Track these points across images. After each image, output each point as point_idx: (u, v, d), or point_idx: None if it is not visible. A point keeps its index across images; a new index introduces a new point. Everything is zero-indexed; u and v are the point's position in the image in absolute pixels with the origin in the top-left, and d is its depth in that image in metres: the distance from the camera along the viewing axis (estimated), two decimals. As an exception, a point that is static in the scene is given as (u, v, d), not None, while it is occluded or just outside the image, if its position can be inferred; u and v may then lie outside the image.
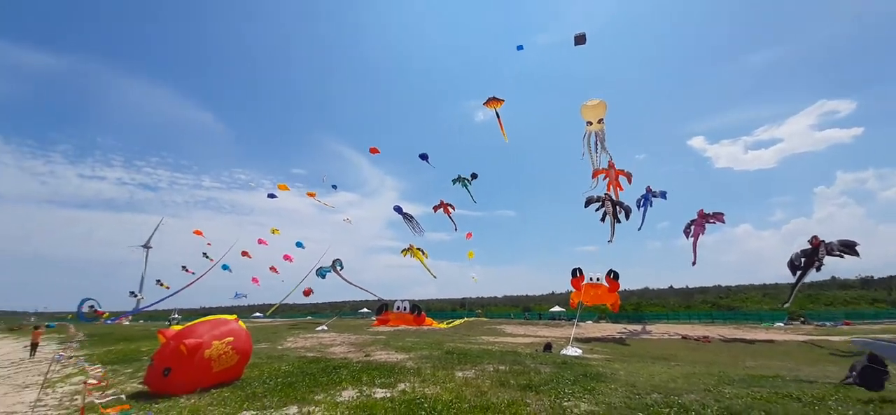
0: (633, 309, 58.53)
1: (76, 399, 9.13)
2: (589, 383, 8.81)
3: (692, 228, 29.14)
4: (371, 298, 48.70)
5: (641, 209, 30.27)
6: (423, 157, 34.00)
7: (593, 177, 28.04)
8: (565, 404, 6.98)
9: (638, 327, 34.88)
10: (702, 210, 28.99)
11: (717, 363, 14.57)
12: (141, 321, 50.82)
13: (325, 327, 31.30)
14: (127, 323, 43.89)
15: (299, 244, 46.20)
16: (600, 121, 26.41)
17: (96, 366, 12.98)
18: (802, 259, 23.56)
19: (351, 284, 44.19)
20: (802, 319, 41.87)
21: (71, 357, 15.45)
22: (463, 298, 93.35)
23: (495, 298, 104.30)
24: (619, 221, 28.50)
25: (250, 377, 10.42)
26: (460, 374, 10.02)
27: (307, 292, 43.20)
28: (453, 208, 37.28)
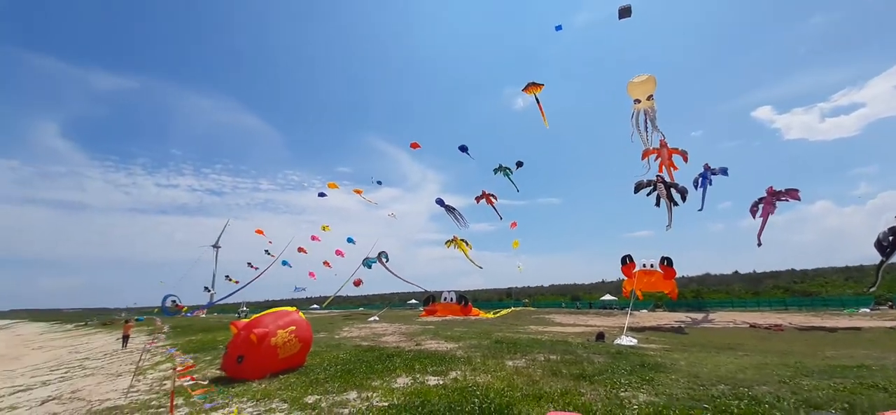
0: (693, 296, 54.87)
1: (165, 384, 10.31)
2: (647, 373, 8.48)
3: (760, 207, 26.64)
4: (417, 289, 49.87)
5: (700, 189, 28.09)
6: (463, 149, 33.96)
7: (643, 158, 26.45)
8: (622, 394, 6.78)
9: (698, 316, 32.73)
10: (771, 187, 26.40)
11: (791, 353, 13.34)
12: (215, 314, 56.08)
13: (377, 318, 32.56)
14: (203, 315, 48.73)
15: (350, 240, 48.21)
16: (650, 98, 24.79)
17: (181, 354, 14.56)
18: (891, 237, 20.76)
19: (395, 275, 45.59)
20: (891, 303, 37.00)
21: (159, 347, 17.43)
22: (509, 288, 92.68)
23: (542, 287, 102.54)
24: (676, 204, 26.68)
25: (312, 365, 11.15)
26: (511, 363, 10.05)
27: (357, 283, 45.13)
28: (496, 199, 36.97)
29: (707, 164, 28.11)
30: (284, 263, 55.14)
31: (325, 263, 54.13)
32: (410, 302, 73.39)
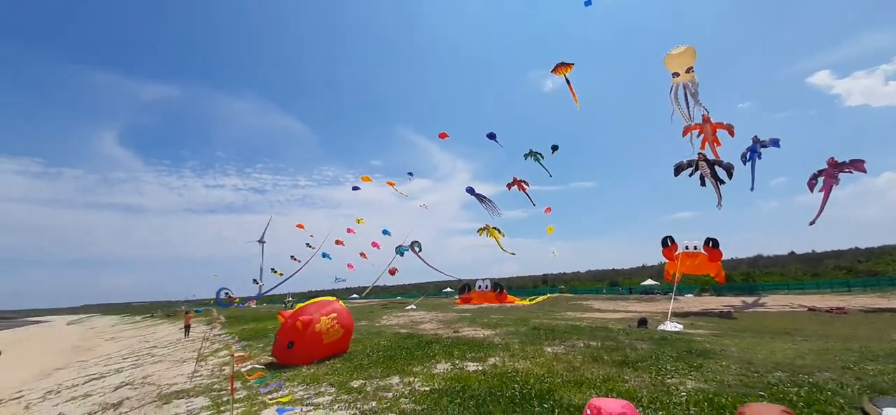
0: (744, 279, 51.72)
1: (224, 370, 11.13)
2: (694, 359, 8.17)
3: (820, 179, 24.51)
4: (448, 278, 50.34)
5: (748, 164, 26.12)
6: (491, 136, 33.57)
7: (685, 135, 24.96)
8: (669, 381, 6.60)
9: (749, 300, 30.88)
10: (833, 159, 24.18)
11: (855, 338, 12.34)
12: (264, 304, 59.64)
13: (414, 307, 33.29)
14: (254, 306, 52.00)
15: (386, 232, 49.33)
16: (689, 70, 23.24)
17: (237, 342, 15.65)
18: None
19: (427, 265, 46.22)
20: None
21: (217, 335, 18.79)
22: (544, 275, 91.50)
23: (578, 273, 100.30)
24: (722, 182, 25.03)
25: (355, 351, 11.64)
26: (549, 349, 10.00)
27: (393, 272, 46.21)
28: (528, 185, 36.37)
29: (756, 136, 26.08)
30: (324, 255, 57.42)
31: (362, 254, 55.78)
32: (445, 290, 74.26)
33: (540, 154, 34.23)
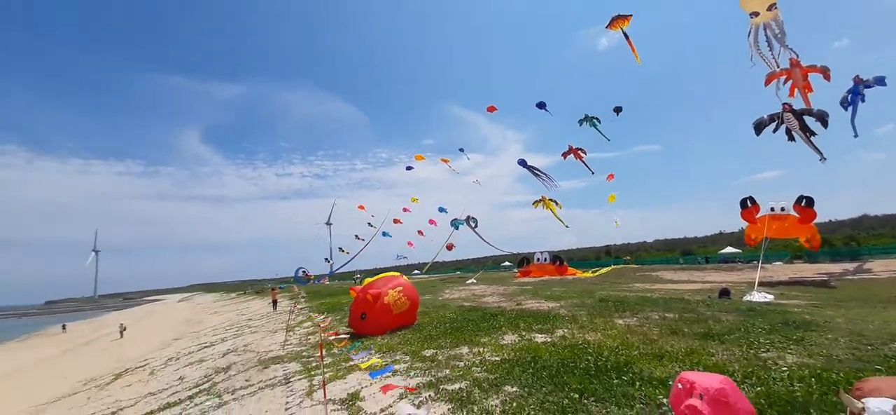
0: (844, 243, 45.16)
1: (309, 339, 12.31)
2: (793, 332, 7.41)
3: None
4: (501, 253, 50.16)
5: (849, 109, 22.06)
6: (541, 106, 32.15)
7: (768, 83, 21.78)
8: (764, 355, 6.08)
9: (850, 266, 26.96)
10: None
11: None
12: (335, 281, 64.56)
13: (474, 281, 33.84)
14: (327, 282, 56.57)
15: (442, 210, 50.22)
16: (771, 8, 19.99)
17: (318, 315, 17.21)
18: None
19: (483, 240, 46.37)
20: None
21: (300, 309, 20.80)
22: (607, 246, 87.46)
23: (645, 243, 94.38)
24: (813, 134, 21.48)
25: (423, 323, 12.20)
26: (621, 321, 9.67)
27: (450, 247, 47.14)
28: (585, 153, 34.53)
29: (857, 76, 21.91)
30: (384, 234, 60.14)
31: (419, 232, 57.54)
32: (504, 264, 74.29)
33: (596, 119, 32.16)
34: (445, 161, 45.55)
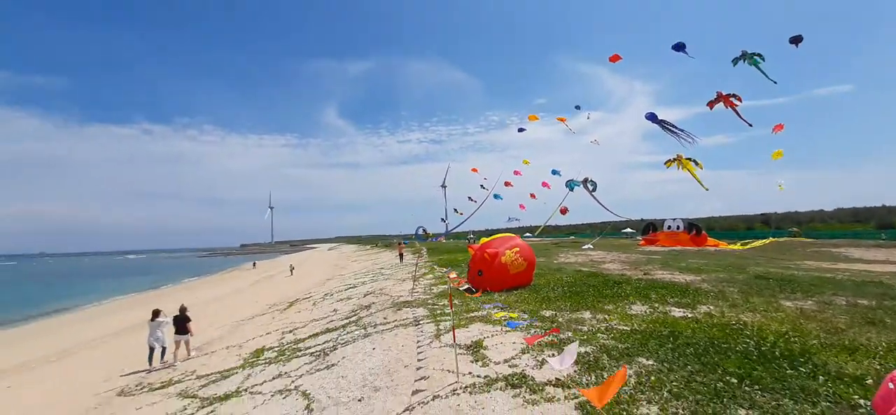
0: None
1: (433, 288, 13.45)
2: None
3: None
4: (622, 219, 45.38)
5: None
6: (679, 47, 26.77)
7: None
8: None
9: None
10: None
11: None
12: (451, 240, 68.69)
13: (591, 246, 31.97)
14: (443, 241, 60.65)
15: (555, 172, 47.99)
16: None
17: (441, 268, 18.70)
18: None
19: (601, 205, 42.62)
20: None
21: (423, 263, 22.89)
22: (763, 214, 72.00)
23: (823, 211, 74.47)
24: None
25: (539, 284, 12.12)
26: (789, 303, 7.99)
27: (564, 211, 45.00)
28: (739, 100, 28.06)
29: None
30: (496, 196, 60.64)
31: (532, 195, 56.24)
32: (626, 231, 68.08)
33: (758, 55, 25.56)
34: (562, 120, 42.67)
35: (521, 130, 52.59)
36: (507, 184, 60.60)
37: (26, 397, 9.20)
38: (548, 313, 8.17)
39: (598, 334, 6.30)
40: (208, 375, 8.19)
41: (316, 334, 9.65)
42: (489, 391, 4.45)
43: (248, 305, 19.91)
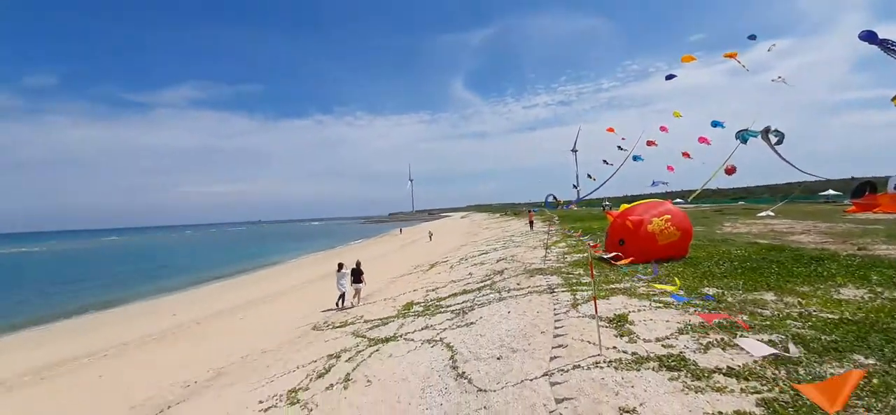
0: None
1: (566, 257, 12.97)
2: None
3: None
4: (811, 178, 34.25)
5: None
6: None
7: None
8: None
9: None
10: None
11: None
12: (583, 207, 64.58)
13: (771, 213, 25.66)
14: (575, 208, 57.42)
15: (717, 124, 39.55)
16: None
17: (578, 236, 17.92)
18: None
19: (786, 161, 33.02)
20: None
21: (555, 230, 22.25)
22: None
23: None
24: None
25: (698, 257, 10.43)
26: None
27: (730, 171, 36.81)
28: None
29: None
30: (635, 158, 53.63)
31: (684, 153, 47.75)
32: (826, 194, 52.41)
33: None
34: (731, 56, 34.52)
35: (670, 76, 44.65)
36: (650, 143, 52.92)
37: (251, 326, 12.69)
38: (711, 291, 7.01)
39: (788, 321, 5.11)
40: (372, 320, 9.79)
41: (455, 294, 10.46)
42: (639, 370, 4.12)
43: (397, 265, 22.84)
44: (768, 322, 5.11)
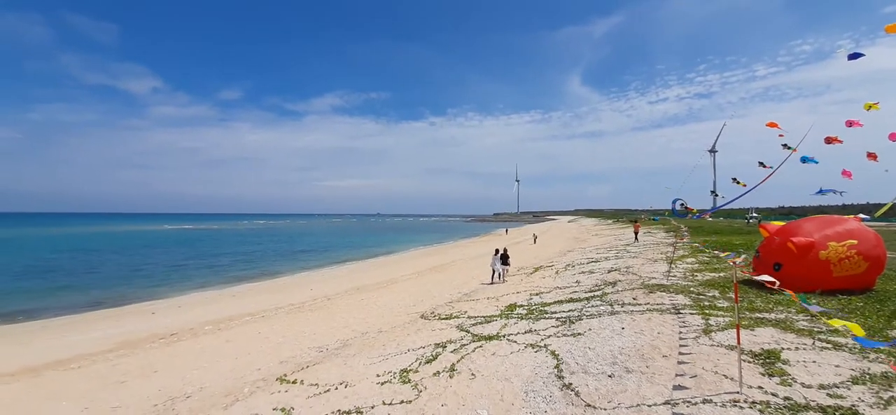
0: None
1: (696, 276, 11.30)
2: None
3: None
4: None
5: None
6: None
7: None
8: None
9: None
10: None
11: None
12: (720, 218, 55.02)
13: None
14: (709, 219, 49.29)
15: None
16: None
17: (720, 252, 15.50)
18: None
19: None
20: None
21: (683, 243, 19.55)
22: None
23: None
24: None
25: (886, 291, 8.07)
26: None
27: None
28: None
29: None
30: (804, 159, 43.09)
31: (870, 154, 36.46)
32: None
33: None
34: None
35: (853, 55, 34.52)
36: (830, 141, 41.88)
37: (370, 307, 14.20)
38: (905, 336, 5.38)
39: None
40: (475, 317, 10.08)
41: (560, 301, 10.06)
42: (793, 418, 3.43)
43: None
44: None
